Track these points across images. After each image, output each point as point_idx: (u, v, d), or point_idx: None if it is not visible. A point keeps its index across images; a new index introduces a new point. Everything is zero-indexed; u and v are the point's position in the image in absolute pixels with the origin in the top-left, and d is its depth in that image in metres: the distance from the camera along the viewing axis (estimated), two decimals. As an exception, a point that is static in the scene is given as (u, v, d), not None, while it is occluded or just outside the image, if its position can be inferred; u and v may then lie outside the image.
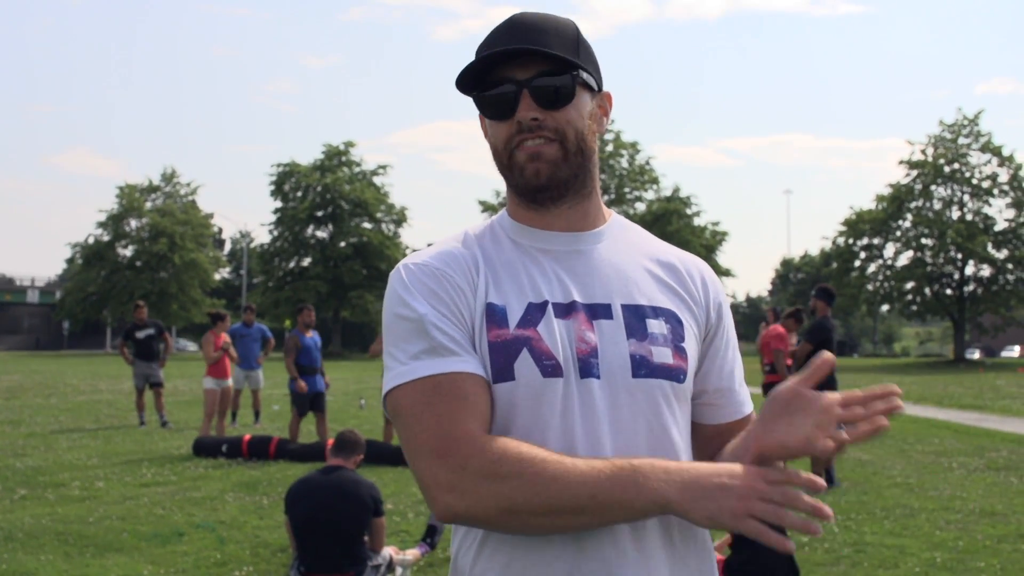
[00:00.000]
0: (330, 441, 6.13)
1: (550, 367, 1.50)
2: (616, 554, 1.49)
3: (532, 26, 1.56)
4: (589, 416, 1.51)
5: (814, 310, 10.03)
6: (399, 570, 6.03)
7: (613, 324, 1.55)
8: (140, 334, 15.15)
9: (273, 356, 21.37)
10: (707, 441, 1.67)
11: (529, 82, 1.55)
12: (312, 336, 12.13)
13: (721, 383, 1.67)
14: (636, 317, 1.56)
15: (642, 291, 1.60)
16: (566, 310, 1.55)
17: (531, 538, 1.48)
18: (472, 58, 1.58)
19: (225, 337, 13.47)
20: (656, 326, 1.57)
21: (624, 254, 1.64)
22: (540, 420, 1.50)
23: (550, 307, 1.55)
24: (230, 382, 13.21)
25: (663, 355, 1.55)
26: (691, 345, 1.61)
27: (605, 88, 1.68)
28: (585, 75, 1.59)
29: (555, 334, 1.52)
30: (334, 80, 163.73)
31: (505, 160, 1.59)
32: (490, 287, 1.56)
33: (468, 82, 1.58)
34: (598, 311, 1.56)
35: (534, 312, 1.54)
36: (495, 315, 1.53)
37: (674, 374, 1.56)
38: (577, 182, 1.61)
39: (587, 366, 1.52)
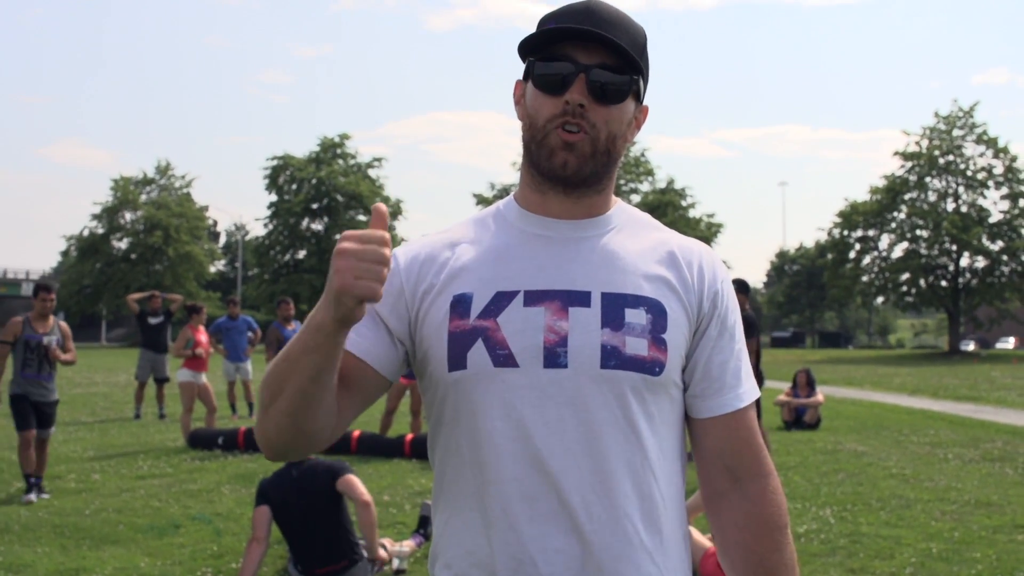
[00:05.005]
0: None
1: (502, 356, 1.52)
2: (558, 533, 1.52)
3: (609, 18, 1.56)
4: (546, 405, 1.51)
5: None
6: (396, 562, 6.03)
7: (589, 313, 1.53)
8: (153, 320, 14.89)
9: (260, 348, 21.31)
10: (701, 436, 1.64)
11: (589, 68, 1.53)
12: (293, 328, 12.21)
13: (708, 374, 1.61)
14: (615, 306, 1.54)
15: (628, 280, 1.57)
16: (540, 298, 1.54)
17: (472, 519, 1.56)
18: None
19: (203, 331, 12.74)
20: (635, 316, 1.54)
21: (620, 243, 1.62)
22: (490, 407, 1.53)
23: (520, 295, 1.55)
24: (204, 378, 12.39)
25: (637, 346, 1.52)
26: (675, 337, 1.56)
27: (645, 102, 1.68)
28: (641, 83, 1.60)
29: (515, 324, 1.53)
30: (326, 70, 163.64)
31: (539, 137, 1.57)
32: (460, 277, 1.58)
33: (530, 47, 1.58)
34: (576, 299, 1.54)
35: (500, 301, 1.55)
36: (459, 306, 1.56)
37: (647, 366, 1.53)
38: (594, 178, 1.60)
39: (552, 355, 1.52)
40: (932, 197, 49.45)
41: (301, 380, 1.43)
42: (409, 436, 10.64)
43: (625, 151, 1.67)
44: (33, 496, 8.29)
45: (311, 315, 1.42)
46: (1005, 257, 47.47)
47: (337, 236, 60.56)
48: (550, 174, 1.58)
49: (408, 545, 6.29)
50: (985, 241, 47.49)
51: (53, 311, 8.88)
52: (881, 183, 50.09)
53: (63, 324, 8.98)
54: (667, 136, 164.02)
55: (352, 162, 61.73)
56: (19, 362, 8.65)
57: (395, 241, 59.86)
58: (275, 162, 60.43)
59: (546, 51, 1.56)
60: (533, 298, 1.54)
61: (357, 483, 5.71)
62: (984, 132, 48.54)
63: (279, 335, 12.05)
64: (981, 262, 48.34)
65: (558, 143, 1.55)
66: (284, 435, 1.51)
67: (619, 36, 1.54)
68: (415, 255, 1.63)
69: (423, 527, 6.71)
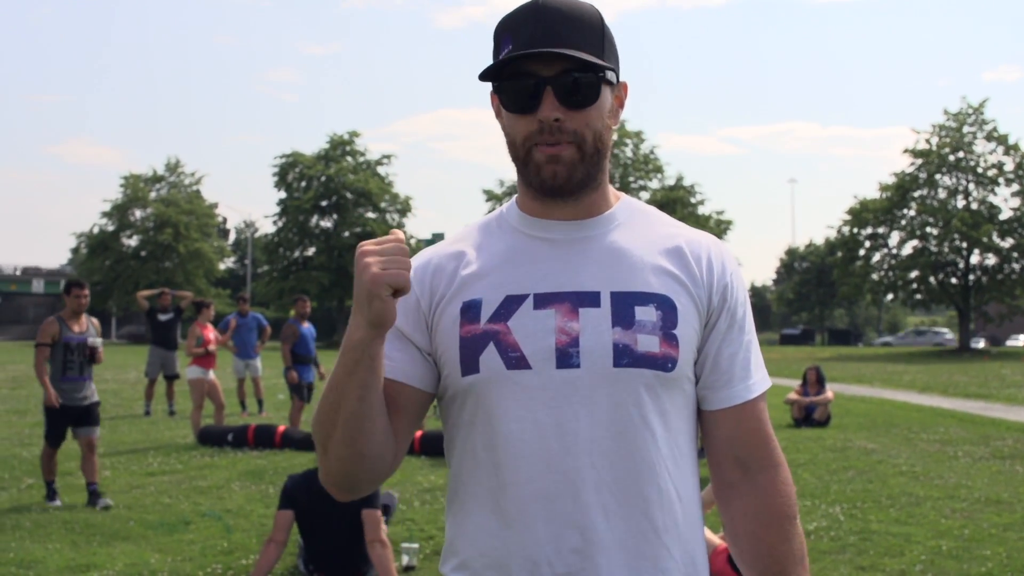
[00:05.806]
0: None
1: (515, 359, 1.53)
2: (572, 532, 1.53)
3: (558, 17, 1.52)
4: (561, 405, 1.52)
5: None
6: (405, 558, 6.03)
7: (599, 313, 1.54)
8: (163, 317, 14.79)
9: (270, 345, 21.37)
10: (711, 427, 1.64)
11: (555, 80, 1.52)
12: (308, 327, 12.24)
13: (718, 367, 1.62)
14: (624, 305, 1.54)
15: (636, 277, 1.57)
16: (550, 300, 1.55)
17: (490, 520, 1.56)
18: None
19: (210, 328, 12.95)
20: (645, 313, 1.54)
21: (626, 239, 1.62)
22: (505, 410, 1.54)
23: (530, 299, 1.55)
24: (212, 374, 12.56)
25: (649, 343, 1.53)
26: (686, 331, 1.57)
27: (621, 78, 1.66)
28: (610, 73, 1.57)
29: (526, 327, 1.53)
30: (335, 68, 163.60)
31: (522, 156, 1.57)
32: (470, 284, 1.59)
33: (490, 71, 1.56)
34: (585, 299, 1.55)
35: (510, 305, 1.55)
36: (469, 311, 1.57)
37: (660, 363, 1.53)
38: (588, 180, 1.60)
39: (565, 356, 1.52)
40: (942, 194, 49.23)
41: (350, 403, 1.45)
42: (418, 433, 10.65)
43: (614, 141, 1.67)
44: (107, 500, 7.98)
45: (343, 341, 1.45)
46: (1016, 254, 47.21)
47: (346, 233, 60.59)
48: (541, 188, 1.58)
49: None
50: (995, 238, 47.24)
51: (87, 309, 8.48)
52: (891, 180, 49.84)
53: (95, 320, 8.68)
54: (676, 133, 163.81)
55: (361, 159, 61.69)
56: (59, 366, 8.10)
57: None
58: (284, 160, 60.42)
59: (507, 70, 1.55)
60: (543, 301, 1.55)
61: (379, 522, 5.51)
62: (994, 129, 48.28)
63: (295, 330, 12.08)
64: (991, 259, 48.10)
65: (541, 159, 1.55)
66: (347, 465, 1.51)
67: (573, 35, 1.52)
68: (424, 266, 1.65)
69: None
